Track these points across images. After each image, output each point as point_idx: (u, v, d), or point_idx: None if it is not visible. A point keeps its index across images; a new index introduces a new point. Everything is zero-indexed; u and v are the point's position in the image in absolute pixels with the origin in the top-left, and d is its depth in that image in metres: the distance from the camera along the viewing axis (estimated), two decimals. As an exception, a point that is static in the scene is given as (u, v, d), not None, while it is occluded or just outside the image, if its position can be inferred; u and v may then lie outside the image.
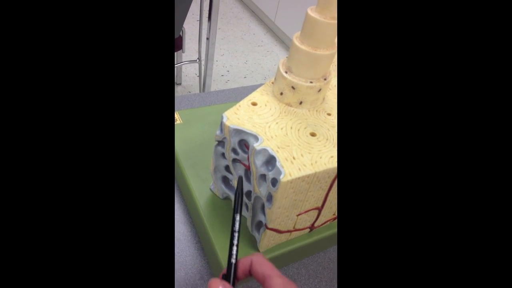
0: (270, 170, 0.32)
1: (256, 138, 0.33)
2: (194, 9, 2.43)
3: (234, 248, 0.27)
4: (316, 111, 0.38)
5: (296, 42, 0.35)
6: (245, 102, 0.37)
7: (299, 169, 0.31)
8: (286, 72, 0.37)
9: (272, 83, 0.40)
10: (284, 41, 2.39)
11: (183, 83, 1.89)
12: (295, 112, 0.37)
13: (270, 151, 0.32)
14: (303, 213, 0.36)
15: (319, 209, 0.38)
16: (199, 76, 1.51)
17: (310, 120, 0.37)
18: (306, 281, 0.41)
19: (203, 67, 1.39)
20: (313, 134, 0.35)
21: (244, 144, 0.35)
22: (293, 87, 0.36)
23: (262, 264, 0.26)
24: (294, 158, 0.32)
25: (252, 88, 0.67)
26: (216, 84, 1.94)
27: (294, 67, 0.36)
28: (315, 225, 0.40)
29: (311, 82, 0.36)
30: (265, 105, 0.37)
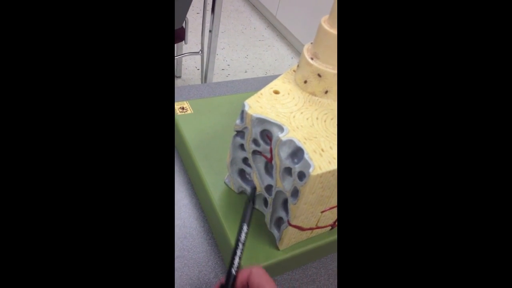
0: (297, 163, 0.30)
1: (280, 128, 0.31)
2: (195, 1, 2.39)
3: (237, 259, 0.26)
4: (342, 101, 0.36)
5: (325, 26, 0.32)
6: (267, 90, 0.35)
7: (329, 162, 0.29)
8: (312, 59, 0.34)
9: (294, 71, 0.38)
10: (285, 36, 2.36)
11: (182, 76, 1.85)
12: (320, 102, 0.35)
13: (297, 143, 0.30)
14: (327, 210, 0.34)
15: (343, 206, 0.35)
16: (201, 69, 1.48)
17: (336, 111, 0.34)
18: (326, 281, 0.39)
19: (205, 60, 1.36)
20: (340, 126, 0.33)
21: (266, 135, 0.33)
22: (319, 75, 0.34)
23: (260, 276, 0.25)
24: (322, 150, 0.30)
25: (260, 80, 0.65)
26: (216, 78, 1.90)
27: (321, 53, 0.34)
28: (337, 223, 0.38)
29: (338, 70, 0.34)
30: (288, 93, 0.35)
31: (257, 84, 0.63)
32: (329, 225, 0.37)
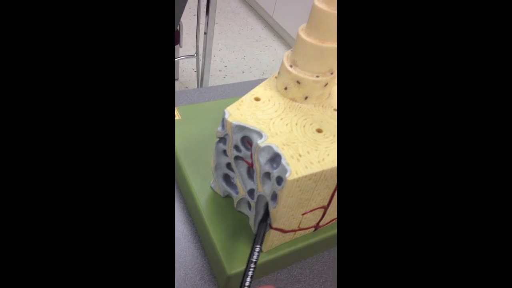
0: (275, 168, 0.31)
1: (259, 134, 0.32)
2: (191, 3, 2.40)
3: (248, 279, 0.26)
4: (322, 106, 0.37)
5: (302, 35, 0.33)
6: (248, 97, 0.36)
7: (306, 167, 0.30)
8: (291, 66, 0.35)
9: (276, 77, 0.39)
10: (282, 36, 2.37)
11: (180, 78, 1.86)
12: (300, 107, 0.36)
13: (275, 148, 0.31)
14: (308, 212, 0.35)
15: (325, 208, 0.36)
16: (197, 71, 1.49)
17: (316, 116, 0.35)
18: (311, 281, 0.40)
19: (200, 62, 1.37)
20: (319, 131, 0.34)
21: (247, 141, 0.34)
22: (298, 82, 0.35)
23: None
24: (300, 155, 0.31)
25: (253, 83, 0.66)
26: (213, 79, 1.92)
27: (300, 61, 0.35)
28: (320, 224, 0.39)
29: (317, 77, 0.35)
30: (269, 100, 0.36)
31: (247, 88, 0.64)
32: (312, 227, 0.38)
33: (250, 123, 0.33)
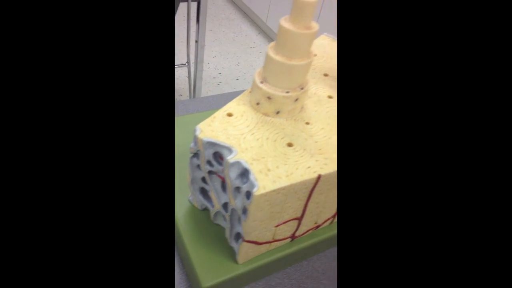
0: (245, 183, 0.32)
1: (230, 150, 0.33)
2: (183, 10, 2.42)
3: None
4: (294, 120, 0.38)
5: (271, 53, 0.35)
6: (221, 113, 0.37)
7: (274, 181, 0.31)
8: (261, 82, 0.36)
9: (250, 92, 0.40)
10: (276, 42, 2.38)
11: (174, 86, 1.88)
12: (272, 121, 0.37)
13: (244, 164, 0.32)
14: (281, 224, 0.36)
15: (299, 219, 0.37)
16: (189, 80, 1.50)
17: (287, 130, 0.36)
18: (288, 292, 0.40)
19: (192, 70, 1.39)
20: (290, 145, 0.35)
21: (219, 156, 0.35)
22: (269, 97, 0.36)
23: None
24: (269, 170, 0.32)
25: (235, 94, 0.67)
26: (208, 87, 1.93)
27: (270, 77, 0.36)
28: (296, 234, 0.40)
29: (287, 92, 0.36)
30: (241, 115, 0.37)
31: (231, 98, 0.65)
32: (288, 237, 0.39)
33: (221, 139, 0.34)
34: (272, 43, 0.36)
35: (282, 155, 0.34)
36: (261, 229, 0.34)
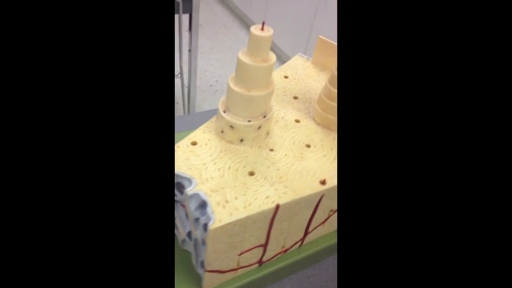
0: (203, 215, 0.32)
1: (190, 181, 0.33)
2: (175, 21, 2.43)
3: None
4: (259, 147, 0.38)
5: (231, 84, 0.35)
6: (185, 142, 0.37)
7: (231, 214, 0.32)
8: (224, 112, 0.37)
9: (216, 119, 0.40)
10: (273, 50, 2.39)
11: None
12: (236, 149, 0.38)
13: (202, 196, 0.32)
14: (245, 251, 0.36)
15: (264, 246, 0.38)
16: (182, 93, 1.50)
17: (250, 158, 0.37)
18: (257, 316, 0.41)
19: (186, 82, 1.39)
20: (251, 173, 0.35)
21: (181, 187, 0.35)
22: (231, 126, 0.37)
23: None
24: (227, 201, 0.32)
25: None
26: (204, 95, 1.94)
27: (231, 107, 0.36)
28: (264, 259, 0.40)
29: (249, 121, 0.36)
30: (206, 144, 0.38)
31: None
32: (255, 263, 0.40)
33: (182, 170, 0.34)
34: (233, 75, 0.36)
35: (242, 184, 0.34)
36: (223, 259, 0.35)
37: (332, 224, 0.44)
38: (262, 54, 0.33)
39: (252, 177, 0.35)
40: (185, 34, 1.30)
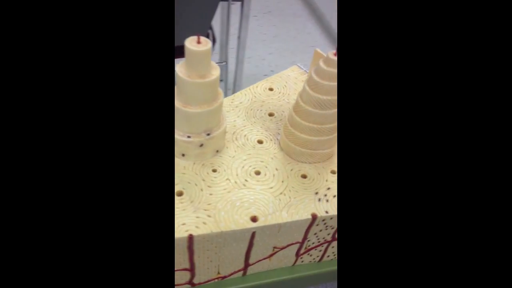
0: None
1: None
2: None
3: None
4: (202, 165, 0.36)
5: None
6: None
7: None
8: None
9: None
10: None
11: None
12: (176, 163, 0.35)
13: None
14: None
15: (190, 270, 0.35)
16: (225, 81, 1.48)
17: (186, 176, 0.34)
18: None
19: (232, 71, 1.38)
20: (179, 193, 0.33)
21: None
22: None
23: None
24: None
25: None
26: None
27: (175, 120, 0.34)
28: (195, 282, 0.38)
29: (188, 137, 0.34)
30: (147, 153, 0.36)
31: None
32: (185, 283, 0.38)
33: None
34: (176, 88, 0.34)
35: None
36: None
37: (283, 260, 0.40)
38: (199, 69, 0.30)
39: (178, 198, 0.33)
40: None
